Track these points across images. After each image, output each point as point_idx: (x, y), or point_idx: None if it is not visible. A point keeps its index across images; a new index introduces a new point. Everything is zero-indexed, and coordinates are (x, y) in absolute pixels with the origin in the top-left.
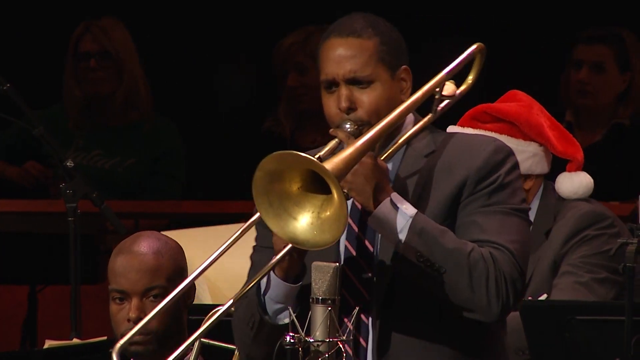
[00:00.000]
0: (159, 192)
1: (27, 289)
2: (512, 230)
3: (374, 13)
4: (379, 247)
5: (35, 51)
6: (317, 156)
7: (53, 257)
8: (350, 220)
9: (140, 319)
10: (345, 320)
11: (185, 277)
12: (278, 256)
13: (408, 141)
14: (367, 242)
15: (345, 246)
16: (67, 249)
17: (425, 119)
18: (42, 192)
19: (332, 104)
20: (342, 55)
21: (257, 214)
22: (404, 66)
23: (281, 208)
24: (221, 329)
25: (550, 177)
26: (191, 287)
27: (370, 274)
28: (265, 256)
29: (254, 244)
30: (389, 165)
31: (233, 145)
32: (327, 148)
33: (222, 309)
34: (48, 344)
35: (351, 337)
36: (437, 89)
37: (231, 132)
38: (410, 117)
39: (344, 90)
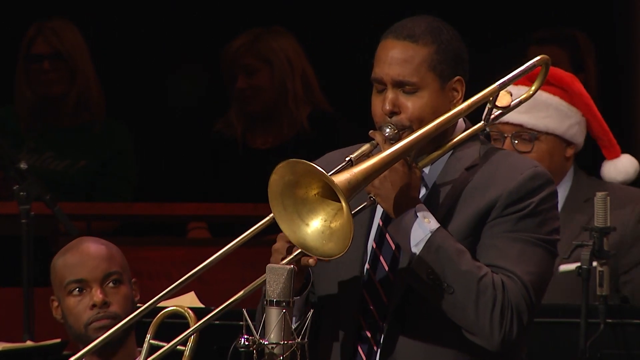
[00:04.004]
0: (111, 194)
1: None
2: (531, 261)
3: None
4: (402, 251)
5: None
6: (348, 158)
7: (5, 259)
8: (380, 220)
9: (106, 303)
10: (362, 320)
11: (131, 275)
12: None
13: (453, 149)
14: (392, 243)
15: (374, 250)
16: (19, 251)
17: (475, 127)
18: None
19: (378, 104)
20: (393, 57)
21: (269, 216)
22: (457, 77)
23: (295, 213)
24: (171, 330)
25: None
26: (136, 282)
27: (389, 275)
28: None
29: None
30: (429, 170)
31: (184, 147)
32: (361, 150)
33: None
34: (1, 346)
35: (306, 340)
36: (491, 98)
37: (183, 134)
38: (461, 124)
39: (390, 93)
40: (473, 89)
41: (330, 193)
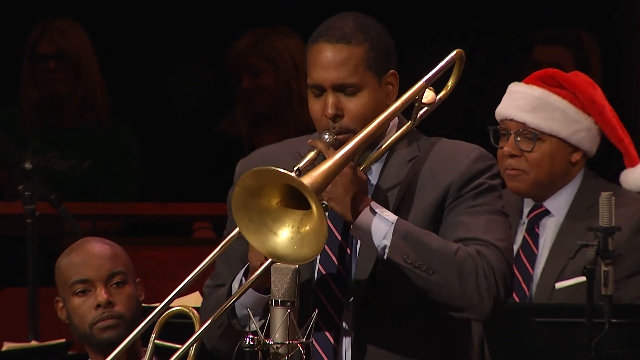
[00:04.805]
0: (115, 194)
1: None
2: (498, 229)
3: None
4: (357, 254)
5: None
6: (296, 168)
7: (10, 259)
8: (332, 228)
9: (110, 303)
10: (318, 318)
11: (136, 276)
12: (256, 273)
13: (391, 147)
14: (348, 250)
15: (325, 251)
16: (24, 250)
17: (404, 127)
18: None
19: (318, 109)
20: (330, 61)
21: (236, 230)
22: (391, 71)
23: (261, 223)
24: (176, 330)
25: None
26: (140, 282)
27: (341, 272)
28: (245, 244)
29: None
30: (373, 169)
31: (189, 147)
32: (306, 159)
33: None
34: (6, 346)
35: (311, 340)
36: (417, 97)
37: (187, 134)
38: (395, 121)
39: (330, 97)
40: (480, 89)
41: (292, 201)
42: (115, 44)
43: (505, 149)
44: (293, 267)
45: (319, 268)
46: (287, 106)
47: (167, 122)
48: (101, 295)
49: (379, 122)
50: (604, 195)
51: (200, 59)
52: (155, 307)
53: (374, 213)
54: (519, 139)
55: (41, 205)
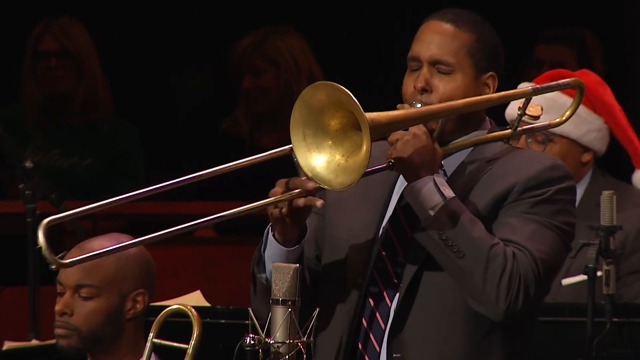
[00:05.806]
0: (117, 193)
1: None
2: (543, 241)
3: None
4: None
5: None
6: None
7: (11, 258)
8: (397, 205)
9: (64, 313)
10: (370, 299)
11: (137, 287)
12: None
13: (475, 145)
14: (406, 226)
15: (395, 209)
16: (25, 250)
17: (502, 132)
18: None
19: (410, 82)
20: (434, 37)
21: (287, 147)
22: (491, 72)
23: (313, 144)
24: (174, 328)
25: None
26: (142, 293)
27: (400, 256)
28: (316, 221)
29: None
30: (450, 162)
31: (190, 146)
32: None
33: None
34: (7, 345)
35: (312, 339)
36: (521, 105)
37: (189, 133)
38: (488, 123)
39: (424, 71)
40: None
41: (351, 128)
42: (117, 43)
43: None
44: (294, 266)
45: (379, 249)
46: (287, 107)
47: (169, 121)
48: (60, 302)
49: (467, 101)
50: (605, 194)
51: (203, 58)
52: (157, 307)
53: (435, 183)
54: (529, 140)
55: (42, 204)
